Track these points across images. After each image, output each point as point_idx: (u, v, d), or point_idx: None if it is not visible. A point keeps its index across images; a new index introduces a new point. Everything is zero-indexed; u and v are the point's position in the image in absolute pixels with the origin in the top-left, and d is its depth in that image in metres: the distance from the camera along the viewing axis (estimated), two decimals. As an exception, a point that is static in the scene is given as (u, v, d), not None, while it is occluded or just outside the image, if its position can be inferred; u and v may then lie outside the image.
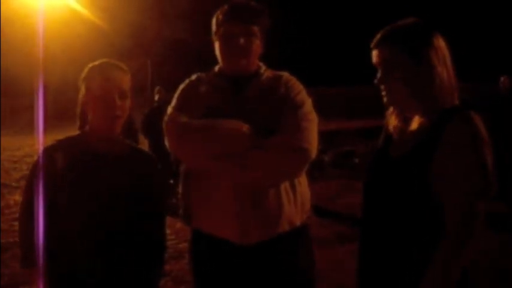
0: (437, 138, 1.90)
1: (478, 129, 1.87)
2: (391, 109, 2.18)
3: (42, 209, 2.13)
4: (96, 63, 2.31)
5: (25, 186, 2.30)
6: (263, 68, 2.54)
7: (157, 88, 10.87)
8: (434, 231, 1.91)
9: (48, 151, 2.25)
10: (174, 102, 2.51)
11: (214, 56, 2.55)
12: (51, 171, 2.18)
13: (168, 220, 7.60)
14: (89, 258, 2.16)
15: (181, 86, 2.57)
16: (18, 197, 8.34)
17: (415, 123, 2.06)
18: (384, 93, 2.05)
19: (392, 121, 2.18)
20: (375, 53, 2.05)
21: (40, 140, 2.27)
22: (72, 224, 2.15)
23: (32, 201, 2.18)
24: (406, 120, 2.13)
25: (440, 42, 2.00)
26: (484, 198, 1.87)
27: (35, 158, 2.29)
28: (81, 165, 2.20)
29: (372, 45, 2.06)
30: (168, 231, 6.72)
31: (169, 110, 2.48)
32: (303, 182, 2.47)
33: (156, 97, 10.58)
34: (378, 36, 2.04)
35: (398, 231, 2.00)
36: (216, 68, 2.57)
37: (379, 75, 2.03)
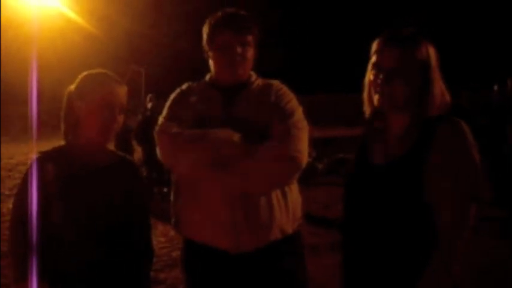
0: (428, 144, 1.93)
1: (468, 134, 1.91)
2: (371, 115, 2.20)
3: (35, 222, 2.12)
4: (93, 73, 2.30)
5: (15, 199, 2.27)
6: (254, 76, 2.56)
7: (149, 96, 10.86)
8: (427, 237, 1.93)
9: (39, 163, 2.22)
10: (165, 111, 2.52)
11: (207, 64, 2.56)
12: (43, 183, 2.17)
13: (162, 228, 7.58)
14: (80, 268, 2.15)
15: (172, 96, 2.58)
16: (11, 206, 8.23)
17: (396, 130, 2.09)
18: (379, 94, 2.05)
19: (372, 128, 2.21)
20: (381, 54, 2.04)
21: (33, 149, 2.26)
22: (64, 235, 2.14)
23: (24, 216, 2.15)
24: (384, 128, 2.16)
25: (435, 53, 2.05)
26: (476, 201, 1.90)
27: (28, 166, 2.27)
28: (71, 177, 2.19)
29: (380, 46, 2.06)
30: (162, 239, 6.78)
31: (160, 119, 2.49)
32: (294, 190, 2.47)
33: (149, 105, 10.57)
34: (385, 37, 2.06)
35: (390, 240, 2.00)
36: (207, 77, 2.59)
37: (381, 75, 2.02)
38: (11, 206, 2.32)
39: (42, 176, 2.18)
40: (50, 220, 2.13)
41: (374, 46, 2.08)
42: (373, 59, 2.07)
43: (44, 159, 2.23)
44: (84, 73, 2.31)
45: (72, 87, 2.30)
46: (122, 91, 2.29)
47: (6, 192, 10.34)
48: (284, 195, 2.40)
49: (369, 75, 2.10)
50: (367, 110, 2.18)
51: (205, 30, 2.51)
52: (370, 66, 2.10)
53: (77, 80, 2.30)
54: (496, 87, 9.22)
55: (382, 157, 2.08)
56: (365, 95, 2.15)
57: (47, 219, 2.13)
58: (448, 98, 2.06)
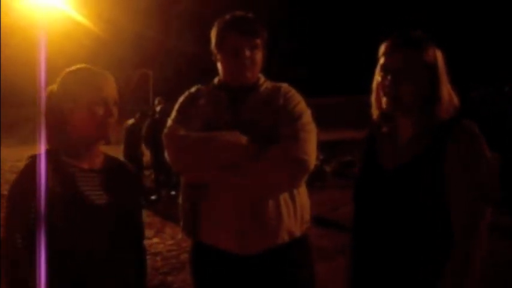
0: (442, 147, 1.94)
1: (482, 138, 1.93)
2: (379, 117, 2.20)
3: (41, 232, 2.01)
4: (75, 70, 2.16)
5: (7, 208, 2.06)
6: (262, 79, 2.56)
7: (157, 99, 10.87)
8: (442, 240, 1.94)
9: (33, 166, 2.07)
10: (173, 114, 2.53)
11: (215, 67, 2.56)
12: (36, 188, 2.02)
13: (170, 231, 7.58)
14: (76, 271, 2.10)
15: (181, 99, 2.58)
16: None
17: (405, 134, 2.09)
18: (387, 96, 2.05)
19: (380, 130, 2.22)
20: (389, 56, 2.05)
21: (42, 152, 2.20)
22: (65, 242, 2.07)
23: (22, 224, 2.01)
24: (392, 132, 2.16)
25: (442, 56, 2.07)
26: (492, 203, 1.92)
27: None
28: (68, 181, 2.09)
29: (388, 48, 2.07)
30: (170, 242, 6.79)
31: (169, 122, 2.50)
32: (302, 193, 2.47)
33: (157, 108, 10.58)
34: (393, 40, 2.07)
35: (405, 244, 2.00)
36: (216, 80, 2.59)
37: (389, 77, 2.03)
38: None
39: (35, 181, 2.03)
40: (51, 228, 2.05)
41: (382, 48, 2.10)
42: (381, 61, 2.08)
43: (34, 163, 2.08)
44: (66, 71, 2.17)
45: (55, 87, 2.16)
46: (111, 83, 2.17)
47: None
48: (292, 198, 2.39)
49: (377, 78, 2.11)
50: (374, 112, 2.18)
51: (213, 33, 2.50)
52: (378, 69, 2.11)
53: (60, 79, 2.16)
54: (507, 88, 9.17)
55: (392, 161, 2.08)
56: (373, 97, 2.16)
57: (49, 228, 2.04)
58: (456, 101, 2.07)
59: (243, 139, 2.27)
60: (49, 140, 2.16)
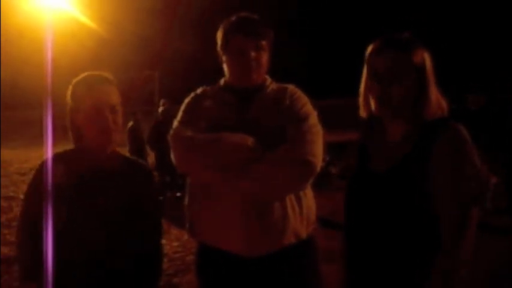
0: (428, 148, 1.95)
1: (468, 139, 1.94)
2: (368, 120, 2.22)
3: (45, 223, 2.11)
4: (81, 78, 2.29)
5: (24, 199, 2.28)
6: (268, 80, 2.55)
7: (162, 101, 10.85)
8: (431, 241, 1.95)
9: (48, 164, 2.22)
10: (179, 116, 2.53)
11: (221, 68, 2.56)
12: (52, 184, 2.16)
13: (176, 233, 7.57)
14: (88, 272, 2.14)
15: (187, 100, 2.58)
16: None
17: (394, 136, 2.10)
18: (376, 98, 2.06)
19: (369, 133, 2.23)
20: (379, 58, 2.06)
21: (48, 153, 2.26)
22: (71, 239, 2.13)
23: (31, 215, 2.18)
24: (381, 133, 2.17)
25: (430, 58, 2.08)
26: (478, 204, 1.93)
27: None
28: (79, 180, 2.19)
29: (375, 50, 2.08)
30: (175, 243, 6.78)
31: (175, 123, 2.50)
32: (308, 194, 2.46)
33: (160, 109, 10.56)
34: (381, 42, 2.08)
35: (395, 246, 2.01)
36: (222, 81, 2.59)
37: (378, 79, 2.04)
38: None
39: (53, 177, 2.18)
40: (56, 223, 2.13)
41: (369, 50, 2.11)
42: (369, 63, 2.09)
43: (53, 161, 2.23)
44: (74, 80, 2.30)
45: (68, 97, 2.29)
46: (109, 89, 2.27)
47: (22, 197, 10.37)
48: (298, 199, 2.39)
49: (365, 80, 2.13)
50: (363, 115, 2.20)
51: (219, 35, 2.50)
52: (365, 71, 2.12)
53: (70, 89, 2.30)
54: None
55: (382, 163, 2.10)
56: (361, 99, 2.19)
57: (56, 221, 2.13)
58: (444, 103, 2.08)
59: (249, 140, 2.26)
60: (73, 143, 2.32)
